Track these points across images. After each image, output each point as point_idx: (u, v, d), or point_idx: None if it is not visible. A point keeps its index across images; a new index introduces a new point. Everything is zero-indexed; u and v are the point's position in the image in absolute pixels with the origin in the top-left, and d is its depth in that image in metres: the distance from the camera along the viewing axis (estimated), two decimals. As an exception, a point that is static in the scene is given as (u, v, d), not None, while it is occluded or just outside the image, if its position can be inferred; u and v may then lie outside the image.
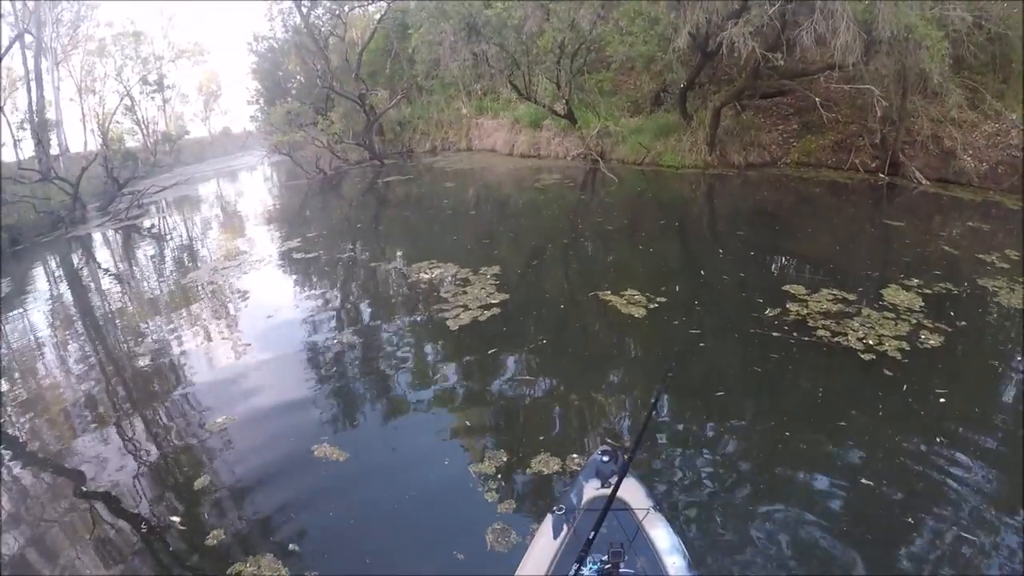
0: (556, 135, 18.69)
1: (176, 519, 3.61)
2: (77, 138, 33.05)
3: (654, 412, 2.71)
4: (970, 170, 12.19)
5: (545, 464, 3.74)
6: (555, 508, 2.47)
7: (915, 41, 10.58)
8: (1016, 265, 7.13)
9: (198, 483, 3.92)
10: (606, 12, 15.54)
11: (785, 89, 15.23)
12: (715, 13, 11.88)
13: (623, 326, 5.78)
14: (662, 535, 2.30)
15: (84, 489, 4.07)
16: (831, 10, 10.46)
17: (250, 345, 6.13)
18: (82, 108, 32.91)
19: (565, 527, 2.35)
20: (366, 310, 7.23)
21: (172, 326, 7.13)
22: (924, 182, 12.47)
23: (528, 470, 3.73)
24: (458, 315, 6.18)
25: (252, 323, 6.88)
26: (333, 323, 6.60)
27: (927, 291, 6.19)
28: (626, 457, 2.57)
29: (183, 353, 6.26)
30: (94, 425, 5.00)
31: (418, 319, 6.50)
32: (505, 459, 3.83)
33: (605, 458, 2.64)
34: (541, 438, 4.08)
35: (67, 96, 31.91)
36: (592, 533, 2.00)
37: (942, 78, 11.16)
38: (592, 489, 2.55)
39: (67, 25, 30.28)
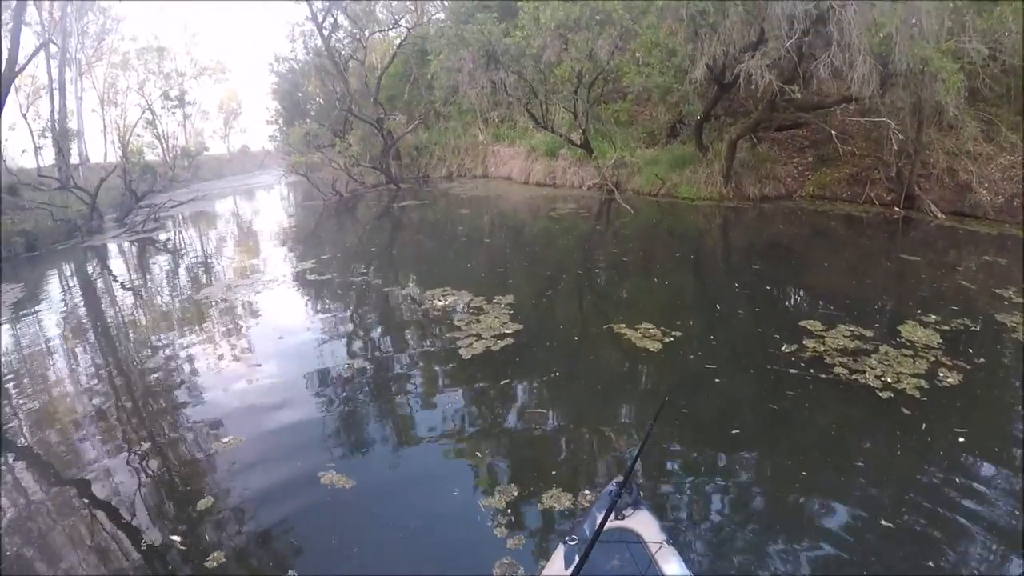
0: (572, 164, 18.84)
1: (177, 538, 3.59)
2: (98, 149, 33.81)
3: (645, 445, 2.70)
4: (986, 203, 12.11)
5: (556, 500, 3.69)
6: (567, 539, 2.45)
7: (931, 74, 10.59)
8: None
9: (201, 503, 3.89)
10: (624, 43, 15.69)
11: (800, 122, 15.28)
12: (732, 45, 11.96)
13: (638, 360, 5.73)
14: (675, 569, 2.28)
15: (85, 502, 4.06)
16: (848, 43, 10.51)
17: (260, 366, 6.14)
18: (104, 119, 34.01)
19: (577, 558, 2.26)
20: (378, 336, 7.21)
21: (182, 342, 7.16)
22: (940, 215, 12.40)
23: (539, 505, 3.67)
24: (471, 344, 6.15)
25: (263, 343, 6.89)
26: (344, 347, 6.60)
27: (945, 327, 6.12)
28: (620, 487, 2.55)
29: (192, 370, 6.28)
30: (98, 438, 5.01)
31: (430, 347, 6.49)
32: (516, 493, 3.78)
33: (619, 489, 2.60)
34: (553, 472, 4.03)
35: (89, 107, 32.98)
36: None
37: (958, 110, 11.15)
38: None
39: (92, 37, 31.25)
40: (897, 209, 13.15)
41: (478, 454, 4.36)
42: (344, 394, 5.44)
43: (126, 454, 4.68)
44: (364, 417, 5.05)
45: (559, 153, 19.35)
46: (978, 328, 6.34)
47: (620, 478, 2.77)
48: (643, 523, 2.51)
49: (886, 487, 3.79)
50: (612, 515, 2.48)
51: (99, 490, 4.20)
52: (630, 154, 17.15)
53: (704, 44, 12.34)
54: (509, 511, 3.62)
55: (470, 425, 4.82)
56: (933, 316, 6.42)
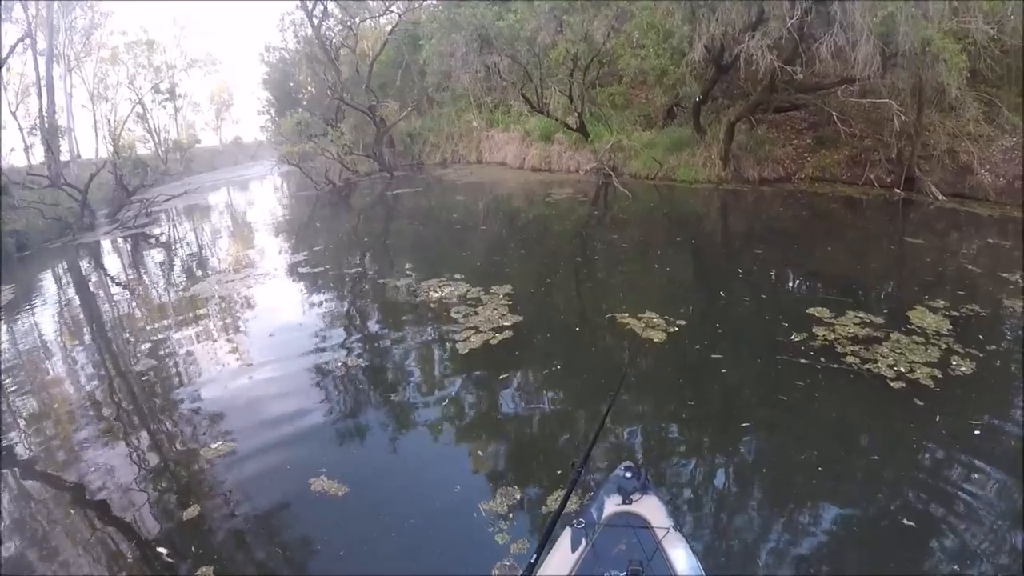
0: (567, 149, 18.61)
1: (164, 550, 3.43)
2: (89, 144, 33.50)
3: (603, 424, 2.78)
4: (987, 185, 12.00)
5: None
6: (575, 521, 2.42)
7: (933, 54, 10.41)
8: None
9: (188, 513, 3.72)
10: (620, 24, 15.43)
11: (799, 103, 15.08)
12: (731, 26, 11.73)
13: (642, 351, 5.54)
14: (681, 555, 2.26)
15: (70, 511, 3.91)
16: (851, 23, 10.29)
17: (251, 365, 5.95)
18: (94, 115, 33.46)
19: (584, 541, 2.32)
20: (373, 331, 6.98)
21: (173, 341, 6.97)
22: (940, 197, 12.28)
23: (544, 507, 3.53)
24: (468, 338, 5.95)
25: (255, 341, 6.69)
26: (338, 344, 6.39)
27: (954, 313, 5.99)
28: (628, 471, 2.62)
29: (182, 371, 6.10)
30: (85, 443, 4.83)
31: (427, 341, 6.29)
32: (518, 496, 3.63)
33: (627, 474, 2.62)
34: (558, 472, 3.88)
35: (79, 102, 32.38)
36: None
37: (959, 92, 11.00)
38: (613, 504, 2.52)
39: (80, 32, 30.63)
40: (897, 191, 13.04)
41: (478, 454, 4.20)
42: (337, 393, 5.25)
43: (109, 460, 4.50)
44: (358, 418, 4.85)
45: (554, 137, 19.11)
46: (987, 314, 6.22)
47: (628, 462, 2.75)
48: (651, 508, 2.49)
49: (900, 482, 3.67)
50: (620, 499, 2.51)
51: (82, 495, 4.06)
52: (627, 137, 16.92)
53: (702, 25, 12.09)
54: (511, 515, 3.47)
55: (469, 424, 4.65)
56: (941, 301, 6.29)
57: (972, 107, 11.73)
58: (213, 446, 4.47)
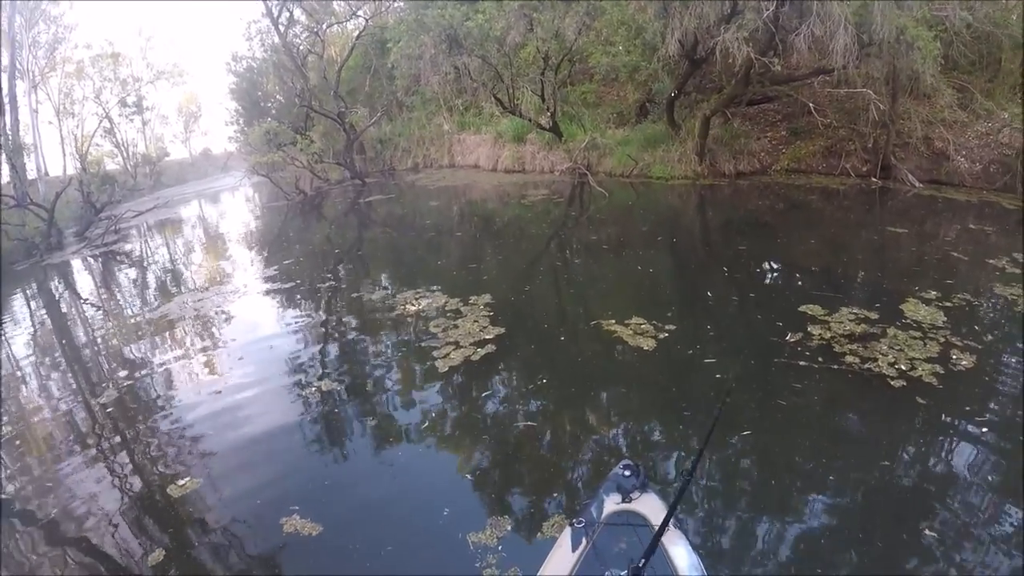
0: (541, 149, 18.38)
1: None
2: (57, 161, 32.50)
3: (710, 437, 2.73)
4: (963, 171, 12.07)
5: (557, 530, 3.26)
6: (574, 520, 2.43)
7: (907, 42, 10.36)
8: None
9: (153, 559, 3.41)
10: (590, 20, 15.25)
11: (773, 95, 15.04)
12: (705, 19, 11.58)
13: (633, 360, 5.27)
14: (681, 553, 2.27)
15: (28, 556, 3.57)
16: (828, 12, 10.18)
17: (220, 392, 5.55)
18: (60, 131, 32.52)
19: (584, 540, 2.33)
20: (348, 350, 6.58)
21: (139, 367, 6.54)
22: (917, 184, 12.31)
23: (540, 534, 3.27)
24: (448, 354, 5.62)
25: (225, 365, 6.30)
26: (311, 366, 6.01)
27: (947, 304, 5.89)
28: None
29: (149, 400, 5.69)
30: (43, 480, 4.46)
31: (406, 359, 5.94)
32: (509, 527, 3.36)
33: (627, 472, 2.61)
34: (554, 495, 3.63)
35: (45, 119, 31.49)
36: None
37: (934, 79, 10.99)
38: (613, 503, 2.51)
39: (44, 47, 29.71)
40: (874, 180, 13.05)
41: (466, 477, 3.91)
42: (311, 420, 4.88)
43: (68, 502, 4.13)
44: (333, 446, 4.52)
45: (527, 138, 18.87)
46: (979, 302, 6.16)
47: (627, 460, 2.73)
48: (650, 506, 2.49)
49: (904, 484, 3.57)
50: (619, 498, 2.51)
51: (38, 543, 3.71)
52: (601, 135, 16.75)
53: (676, 19, 11.93)
54: (501, 548, 3.19)
55: (452, 448, 4.34)
56: (933, 292, 6.19)
57: (946, 94, 11.77)
58: (179, 483, 4.13)
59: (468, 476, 3.93)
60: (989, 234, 8.84)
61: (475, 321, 6.37)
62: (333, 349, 6.56)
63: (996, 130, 11.93)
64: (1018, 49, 12.24)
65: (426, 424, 4.62)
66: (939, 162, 12.45)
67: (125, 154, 35.57)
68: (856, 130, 13.48)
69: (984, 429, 3.98)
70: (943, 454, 3.84)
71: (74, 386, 6.56)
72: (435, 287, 7.79)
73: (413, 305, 7.16)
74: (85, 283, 12.86)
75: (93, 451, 4.86)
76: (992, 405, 4.33)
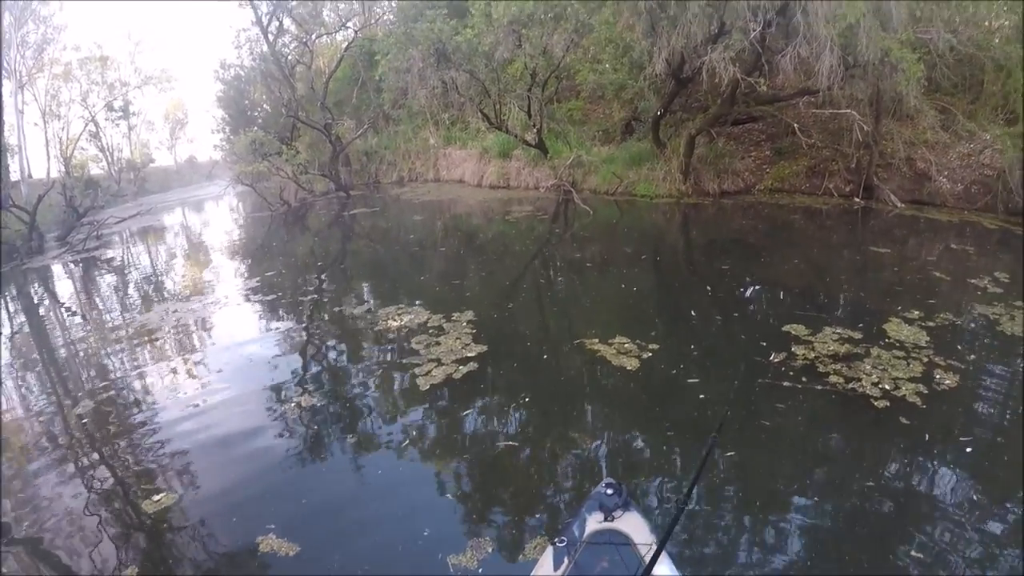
0: (526, 165, 18.41)
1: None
2: (40, 164, 32.12)
3: (705, 464, 2.63)
4: (945, 191, 12.25)
5: (539, 551, 3.17)
6: (556, 540, 2.42)
7: (891, 64, 10.51)
8: (1009, 289, 7.02)
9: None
10: (579, 38, 15.33)
11: (756, 115, 15.19)
12: (693, 39, 11.67)
13: (616, 380, 5.21)
14: (665, 570, 2.26)
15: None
16: (815, 34, 10.30)
17: (198, 406, 5.42)
18: (46, 133, 32.12)
19: (566, 559, 2.32)
20: (328, 365, 6.47)
21: (117, 379, 6.39)
22: (899, 205, 12.46)
23: (521, 556, 3.19)
24: (430, 372, 5.51)
25: (203, 378, 6.15)
26: (291, 380, 5.87)
27: (930, 323, 5.93)
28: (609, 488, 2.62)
29: (125, 413, 5.52)
30: (14, 494, 4.30)
31: (387, 376, 5.83)
32: (490, 549, 3.27)
33: (609, 491, 2.60)
34: (537, 516, 3.55)
35: (31, 120, 31.18)
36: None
37: (917, 100, 11.15)
38: (595, 522, 2.50)
39: (32, 47, 29.51)
40: (857, 200, 13.20)
41: (446, 498, 3.82)
42: (289, 436, 4.76)
43: (40, 516, 3.99)
44: (312, 463, 4.40)
45: (513, 154, 18.90)
46: (961, 322, 6.20)
47: (609, 479, 2.71)
48: (633, 524, 2.48)
49: (888, 505, 3.52)
50: (601, 516, 2.50)
51: (6, 560, 3.56)
52: (586, 153, 16.81)
53: (663, 38, 12.01)
54: (482, 571, 3.11)
55: (432, 468, 4.23)
56: (915, 312, 6.21)
57: (929, 115, 11.94)
58: (155, 498, 4.01)
59: (449, 496, 3.84)
60: (971, 254, 8.95)
61: (457, 338, 6.27)
62: (314, 364, 6.43)
63: (978, 151, 12.12)
64: (1000, 71, 12.47)
65: (407, 443, 4.51)
66: (921, 183, 12.62)
67: (110, 159, 35.51)
68: (839, 150, 13.64)
69: (968, 449, 3.97)
70: (927, 475, 3.82)
71: (50, 395, 6.41)
72: (418, 302, 7.70)
73: (395, 320, 7.06)
74: (65, 289, 12.64)
75: (69, 465, 4.71)
76: (976, 424, 4.33)
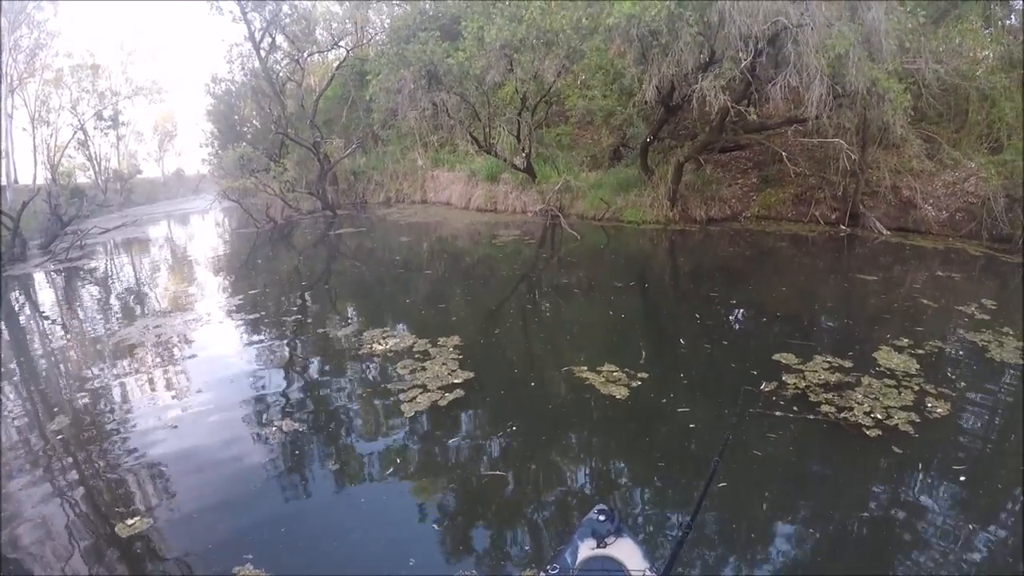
0: (514, 189, 18.42)
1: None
2: (27, 170, 31.73)
3: (708, 490, 2.55)
4: (930, 218, 12.43)
5: (530, 587, 3.07)
6: (548, 567, 2.40)
7: (878, 94, 10.67)
8: (996, 315, 7.11)
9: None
10: (570, 63, 15.44)
11: (744, 143, 15.34)
12: (683, 66, 11.79)
13: (605, 409, 5.11)
14: None
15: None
16: (805, 64, 10.44)
17: (176, 428, 5.24)
18: (34, 139, 31.80)
19: None
20: (310, 389, 6.26)
21: (93, 395, 6.13)
22: (885, 232, 12.61)
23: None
24: (415, 398, 5.38)
25: (182, 397, 5.95)
26: (272, 403, 5.71)
27: (920, 351, 5.96)
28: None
29: (100, 433, 5.28)
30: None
31: (371, 401, 5.66)
32: (478, 585, 3.16)
33: (601, 517, 2.57)
34: (526, 546, 3.44)
35: (20, 126, 30.89)
36: None
37: (903, 129, 11.32)
38: (587, 549, 2.46)
39: (25, 52, 29.24)
40: (843, 227, 13.33)
41: (432, 527, 3.69)
42: (270, 461, 4.59)
43: (10, 538, 3.78)
44: (292, 491, 4.24)
45: (500, 178, 18.91)
46: (951, 349, 6.23)
47: (601, 505, 2.69)
48: (626, 551, 2.45)
49: (883, 535, 3.48)
50: (594, 543, 2.46)
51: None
52: (574, 178, 16.86)
53: (654, 65, 12.12)
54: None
55: (417, 496, 4.10)
56: (905, 340, 6.23)
57: (915, 144, 12.12)
58: (129, 522, 3.83)
59: (435, 526, 3.72)
60: (956, 280, 9.04)
61: (443, 364, 6.14)
62: (296, 387, 6.27)
63: (962, 179, 12.32)
64: (984, 101, 12.71)
65: (391, 470, 4.38)
66: (907, 210, 12.78)
67: (97, 168, 35.22)
68: (826, 178, 13.80)
69: (962, 478, 3.93)
70: (921, 504, 3.77)
71: (26, 408, 6.16)
72: (403, 326, 7.61)
73: (380, 344, 6.92)
74: (46, 298, 12.34)
75: (42, 485, 4.48)
76: (968, 453, 4.31)
